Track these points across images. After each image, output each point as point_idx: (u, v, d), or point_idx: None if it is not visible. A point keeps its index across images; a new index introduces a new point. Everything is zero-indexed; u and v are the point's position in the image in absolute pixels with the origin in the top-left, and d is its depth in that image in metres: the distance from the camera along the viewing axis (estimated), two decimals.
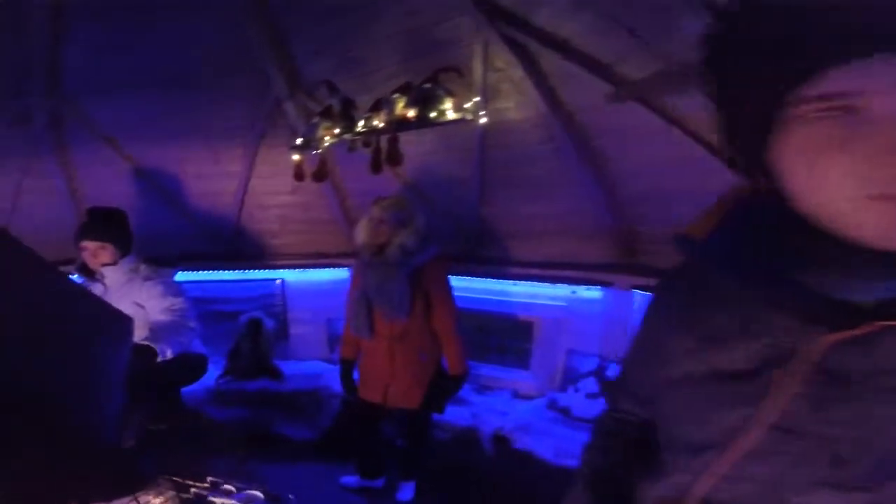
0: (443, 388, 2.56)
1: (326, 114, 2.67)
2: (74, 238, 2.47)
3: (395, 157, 2.33)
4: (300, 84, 3.10)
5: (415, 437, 2.77)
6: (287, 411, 3.53)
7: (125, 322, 1.39)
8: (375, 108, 2.46)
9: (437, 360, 2.57)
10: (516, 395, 3.53)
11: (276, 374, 3.68)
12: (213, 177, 3.69)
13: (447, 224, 3.50)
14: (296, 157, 2.76)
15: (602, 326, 3.17)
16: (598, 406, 3.11)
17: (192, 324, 2.49)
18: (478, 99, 2.34)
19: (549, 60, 2.36)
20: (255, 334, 3.66)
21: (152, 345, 2.17)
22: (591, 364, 3.25)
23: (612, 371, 3.21)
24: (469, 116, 2.28)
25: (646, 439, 0.78)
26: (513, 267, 3.35)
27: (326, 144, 2.65)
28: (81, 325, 1.18)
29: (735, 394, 0.60)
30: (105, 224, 2.49)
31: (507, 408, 3.34)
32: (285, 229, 4.09)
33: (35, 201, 3.47)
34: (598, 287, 3.07)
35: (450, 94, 2.33)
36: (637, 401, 0.81)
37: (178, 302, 2.47)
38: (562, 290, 3.20)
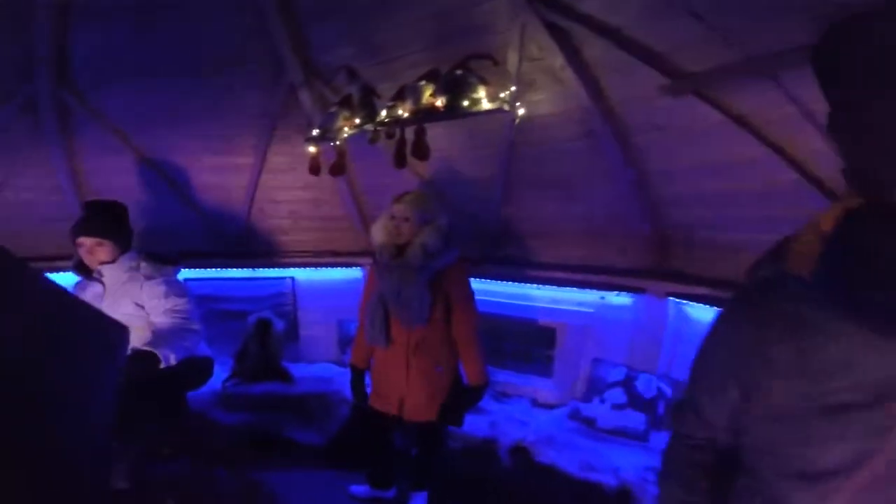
0: (461, 399, 2.35)
1: (345, 103, 2.43)
2: (70, 233, 2.26)
3: (422, 150, 2.08)
4: (316, 70, 2.85)
5: (428, 446, 2.56)
6: (296, 416, 3.35)
7: (119, 332, 1.31)
8: (399, 96, 2.21)
9: (454, 370, 2.36)
10: (536, 403, 3.32)
11: (284, 377, 3.48)
12: (223, 170, 3.45)
13: (464, 223, 3.27)
14: (312, 149, 2.51)
15: (631, 335, 2.93)
16: (625, 418, 2.92)
17: (196, 325, 2.30)
18: (515, 88, 2.09)
19: (595, 48, 2.11)
20: (263, 335, 3.45)
21: (154, 350, 1.99)
22: (618, 374, 3.03)
23: (643, 383, 3.00)
24: (506, 107, 2.03)
25: (725, 466, 0.75)
26: (535, 270, 3.10)
27: (345, 136, 2.41)
28: (72, 339, 1.09)
29: (851, 426, 0.58)
30: (103, 219, 2.28)
31: (526, 417, 3.16)
32: (297, 226, 3.85)
33: (38, 193, 3.23)
34: (629, 294, 2.83)
35: (483, 81, 2.08)
36: (715, 428, 0.77)
37: (181, 302, 2.28)
38: (589, 296, 2.95)
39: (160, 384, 2.09)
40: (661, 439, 2.76)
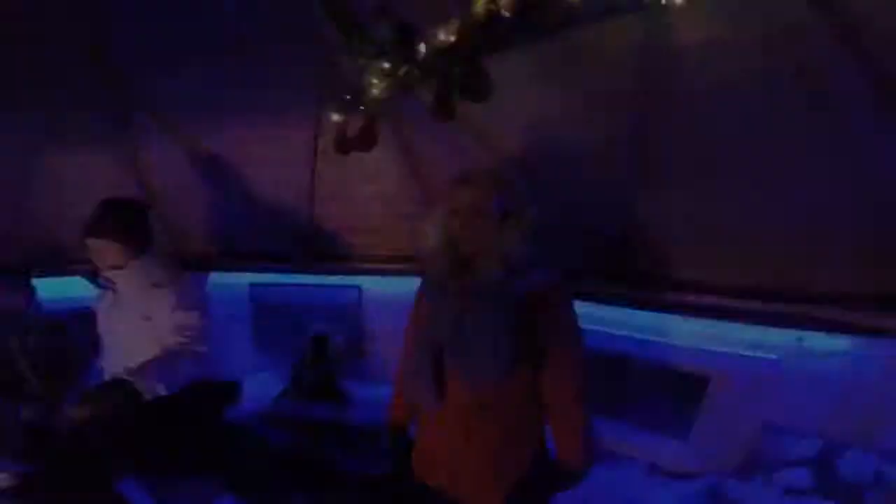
0: (546, 483, 1.34)
1: (380, 52, 1.56)
2: (79, 235, 1.82)
3: (477, 88, 1.11)
4: (354, 31, 2.01)
5: None
6: (349, 443, 2.65)
7: None
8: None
9: (538, 441, 1.36)
10: (656, 470, 2.15)
11: (341, 399, 2.77)
12: (278, 163, 2.80)
13: (570, 225, 2.15)
14: (335, 117, 1.69)
15: (842, 394, 1.62)
16: None
17: (203, 347, 1.80)
18: None
19: None
20: (320, 350, 2.77)
21: (133, 380, 1.61)
22: (808, 448, 1.80)
23: (852, 462, 1.71)
24: None
25: None
26: (682, 293, 1.85)
27: (376, 92, 1.53)
28: None
29: None
30: (112, 218, 1.81)
31: (637, 489, 2.06)
32: (362, 227, 3.06)
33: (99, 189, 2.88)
34: (850, 334, 1.51)
35: None
36: None
37: (191, 317, 1.79)
38: (771, 336, 1.67)
39: (153, 415, 1.70)
40: None
